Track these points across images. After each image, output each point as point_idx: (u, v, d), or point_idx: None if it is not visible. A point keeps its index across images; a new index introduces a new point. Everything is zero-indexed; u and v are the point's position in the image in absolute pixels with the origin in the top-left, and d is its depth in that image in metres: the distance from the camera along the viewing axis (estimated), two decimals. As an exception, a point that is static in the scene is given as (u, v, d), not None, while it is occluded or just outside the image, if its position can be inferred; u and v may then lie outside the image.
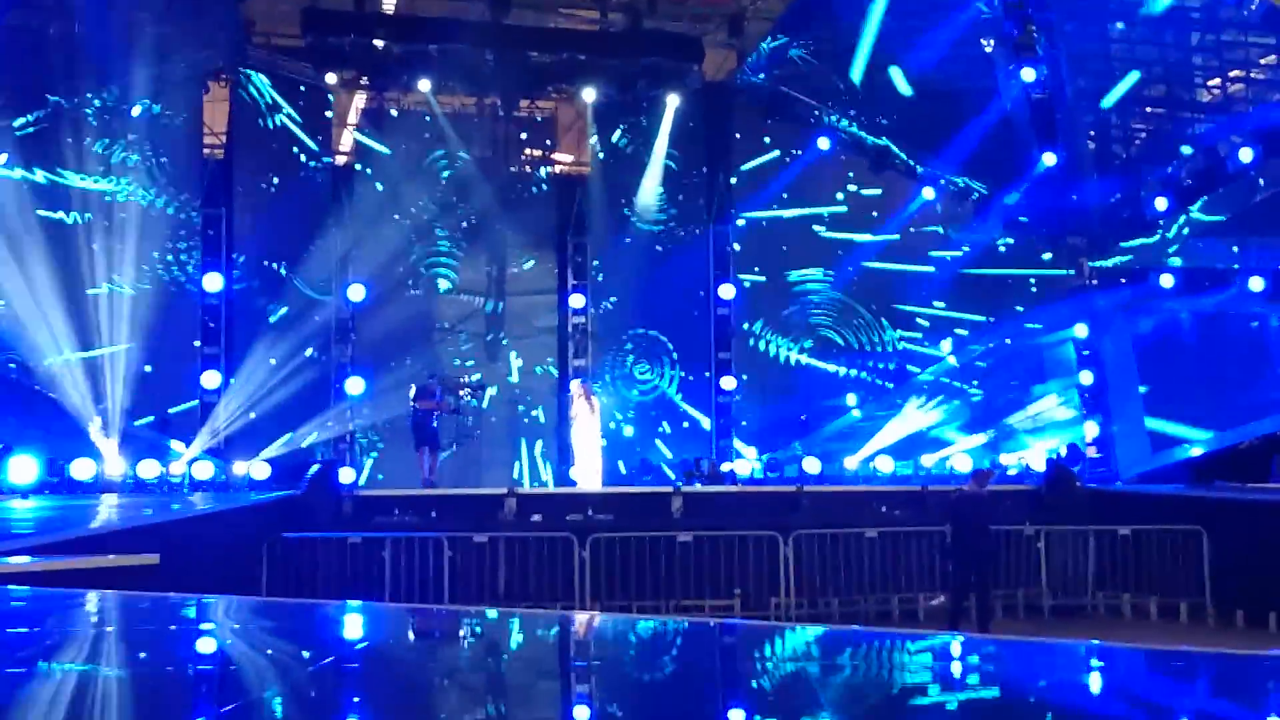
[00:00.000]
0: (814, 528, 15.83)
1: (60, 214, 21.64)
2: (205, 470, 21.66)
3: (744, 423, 24.44)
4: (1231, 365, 23.40)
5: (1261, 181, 24.44)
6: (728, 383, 24.55)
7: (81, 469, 20.52)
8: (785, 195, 25.25)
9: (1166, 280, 24.03)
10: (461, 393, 20.95)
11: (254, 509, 15.46)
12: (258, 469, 22.25)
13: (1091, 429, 23.84)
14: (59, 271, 21.02)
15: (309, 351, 23.24)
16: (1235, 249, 24.68)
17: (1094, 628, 16.10)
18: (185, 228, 22.83)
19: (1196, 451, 22.55)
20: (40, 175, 21.61)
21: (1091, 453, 23.62)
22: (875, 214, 25.26)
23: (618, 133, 24.97)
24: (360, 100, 24.02)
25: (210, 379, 22.61)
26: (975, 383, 24.93)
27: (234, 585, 14.01)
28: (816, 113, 25.04)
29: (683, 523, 16.34)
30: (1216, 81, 24.70)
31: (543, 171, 25.15)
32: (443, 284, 24.51)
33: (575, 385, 20.24)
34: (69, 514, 14.53)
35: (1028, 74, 23.63)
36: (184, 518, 13.22)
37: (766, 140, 25.42)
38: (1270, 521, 15.86)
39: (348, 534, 15.44)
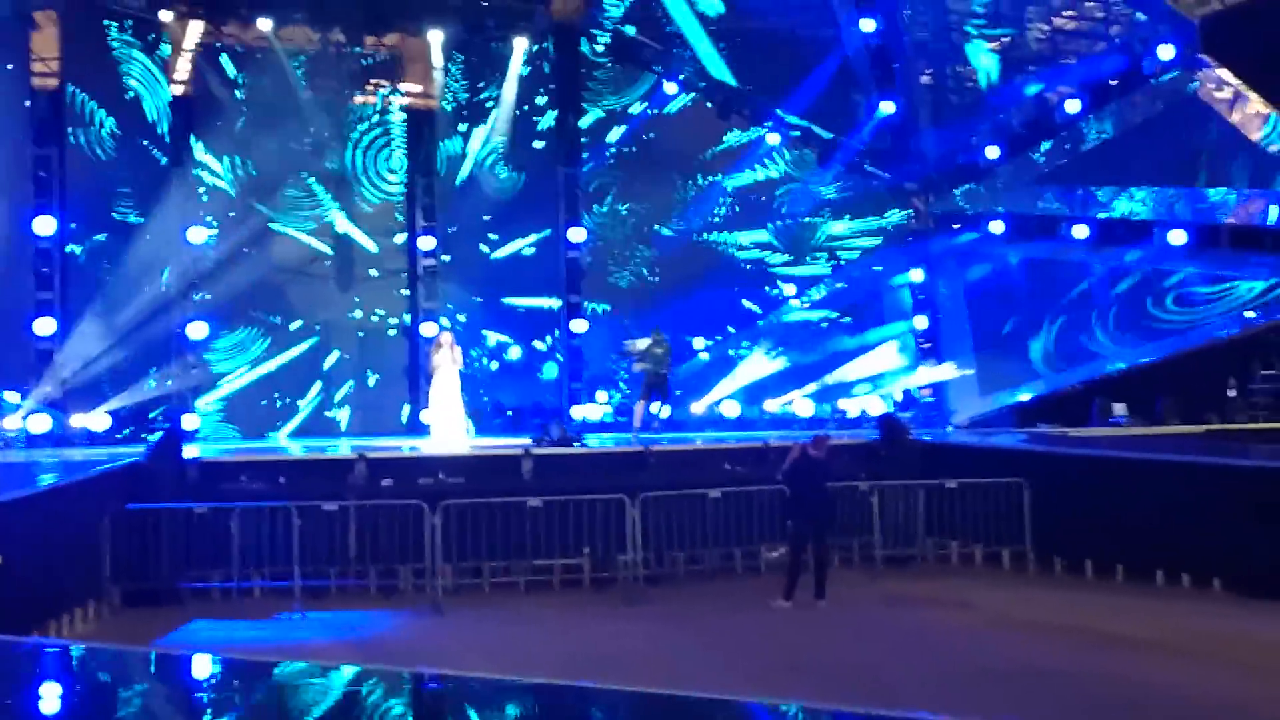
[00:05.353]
0: (661, 489, 16.27)
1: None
2: (42, 424, 21.16)
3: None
4: (1057, 311, 24.47)
5: (1086, 128, 25.31)
6: (578, 325, 24.77)
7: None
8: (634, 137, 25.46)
9: (997, 227, 24.93)
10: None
11: (95, 480, 15.21)
12: (97, 421, 21.84)
13: (926, 373, 24.76)
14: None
15: (149, 295, 22.70)
16: (1059, 197, 25.55)
17: (924, 575, 17.01)
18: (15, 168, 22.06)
19: (1025, 397, 23.67)
20: None
21: (926, 395, 24.62)
22: (721, 158, 25.54)
23: (466, 73, 24.75)
24: (197, 36, 23.25)
25: (45, 326, 21.94)
26: (820, 324, 25.54)
27: (76, 569, 13.90)
28: (663, 56, 25.10)
29: (533, 485, 16.64)
30: (1046, 29, 25.45)
31: (389, 109, 24.75)
32: (288, 225, 24.10)
33: (445, 336, 20.16)
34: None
35: (867, 24, 24.14)
36: (22, 497, 13.01)
37: (613, 83, 25.46)
38: (1086, 475, 16.90)
39: (193, 505, 15.34)
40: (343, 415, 23.88)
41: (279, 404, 23.64)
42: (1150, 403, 22.58)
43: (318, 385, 23.84)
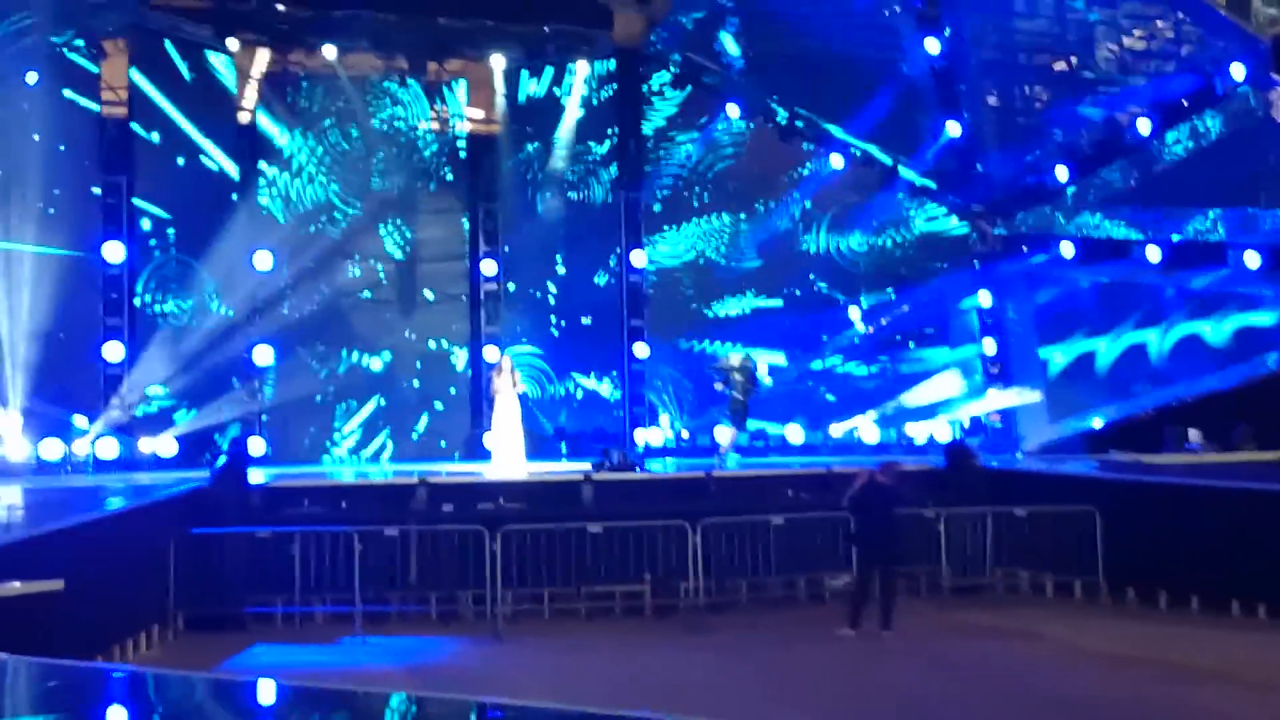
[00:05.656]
0: (722, 515, 16.08)
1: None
2: (110, 449, 21.36)
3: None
4: (1129, 336, 24.00)
5: (1157, 149, 24.92)
6: (640, 350, 24.68)
7: (-19, 450, 20.12)
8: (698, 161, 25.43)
9: (1067, 249, 24.53)
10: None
11: (160, 504, 15.31)
12: (164, 446, 22.00)
13: (994, 398, 24.38)
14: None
15: (215, 321, 22.89)
16: (1130, 219, 25.14)
17: (992, 605, 16.63)
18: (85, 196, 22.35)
19: (1097, 423, 23.21)
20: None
21: (994, 420, 24.23)
22: (785, 182, 25.41)
23: (527, 97, 24.83)
24: (263, 64, 23.54)
25: (113, 351, 22.19)
26: (887, 349, 25.28)
27: (141, 593, 13.96)
28: (726, 80, 25.04)
29: (593, 511, 16.51)
30: (1115, 49, 25.11)
31: (452, 134, 24.89)
32: (351, 251, 24.23)
33: (505, 361, 20.18)
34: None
35: (931, 44, 23.90)
36: (89, 521, 13.08)
37: (676, 107, 25.43)
38: (1159, 503, 16.45)
39: (256, 529, 15.37)
40: (400, 441, 23.91)
41: (335, 429, 23.70)
42: (1226, 429, 22.04)
43: (376, 410, 23.88)
